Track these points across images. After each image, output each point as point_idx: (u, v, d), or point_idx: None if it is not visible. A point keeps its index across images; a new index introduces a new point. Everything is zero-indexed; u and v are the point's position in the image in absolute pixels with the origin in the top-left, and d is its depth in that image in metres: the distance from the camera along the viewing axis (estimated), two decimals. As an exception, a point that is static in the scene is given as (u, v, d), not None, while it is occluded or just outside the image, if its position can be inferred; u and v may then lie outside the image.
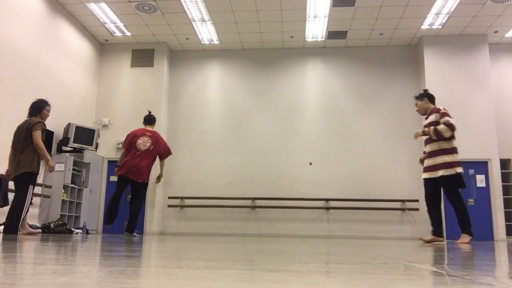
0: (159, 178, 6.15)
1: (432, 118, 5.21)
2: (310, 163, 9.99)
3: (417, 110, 5.51)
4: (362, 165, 9.90)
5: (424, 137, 5.40)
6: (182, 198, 9.98)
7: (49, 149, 8.28)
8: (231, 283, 0.80)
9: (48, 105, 5.75)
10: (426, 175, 5.39)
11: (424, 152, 5.55)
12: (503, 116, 9.87)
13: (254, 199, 9.76)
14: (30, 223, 7.54)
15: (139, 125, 10.40)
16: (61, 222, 7.62)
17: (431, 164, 5.33)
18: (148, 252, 1.87)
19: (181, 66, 10.77)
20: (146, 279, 0.85)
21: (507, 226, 9.18)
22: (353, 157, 9.95)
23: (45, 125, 5.62)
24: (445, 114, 5.08)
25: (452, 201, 5.12)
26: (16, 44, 7.51)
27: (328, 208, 9.74)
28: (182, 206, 9.99)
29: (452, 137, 5.17)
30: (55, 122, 8.61)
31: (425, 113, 5.41)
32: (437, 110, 5.18)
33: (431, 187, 5.35)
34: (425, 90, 5.50)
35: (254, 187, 9.91)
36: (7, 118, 7.30)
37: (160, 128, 10.05)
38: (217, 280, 0.85)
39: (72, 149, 8.68)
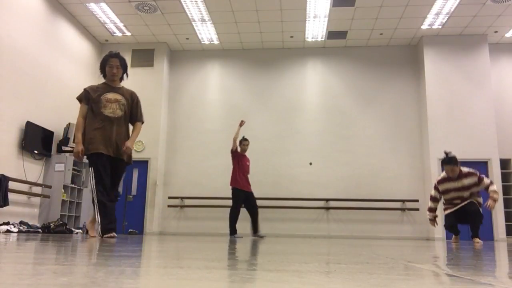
0: None
1: (470, 181, 5.51)
2: (310, 163, 9.99)
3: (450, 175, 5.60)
4: (362, 165, 9.90)
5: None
6: (182, 198, 9.98)
7: (49, 149, 8.29)
8: (231, 283, 0.80)
9: (113, 56, 4.50)
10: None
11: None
12: (503, 116, 9.87)
13: (254, 199, 9.76)
14: (30, 223, 7.53)
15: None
16: (61, 222, 7.62)
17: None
18: (148, 252, 1.87)
19: (181, 66, 10.77)
20: (146, 279, 0.85)
21: (507, 226, 9.18)
22: (353, 157, 9.95)
23: (101, 88, 4.41)
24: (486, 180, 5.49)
25: None
26: (16, 44, 7.51)
27: (328, 208, 9.74)
28: (182, 206, 9.99)
29: None
30: (55, 122, 8.61)
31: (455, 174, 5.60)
32: (473, 174, 5.50)
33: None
34: (448, 154, 5.66)
35: (254, 187, 9.89)
36: (7, 118, 7.30)
37: (160, 128, 10.05)
38: (217, 280, 0.85)
39: (72, 149, 8.67)
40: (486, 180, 5.44)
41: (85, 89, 4.42)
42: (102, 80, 4.58)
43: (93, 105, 4.32)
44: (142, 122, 4.56)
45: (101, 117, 4.28)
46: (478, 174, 5.49)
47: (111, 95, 4.38)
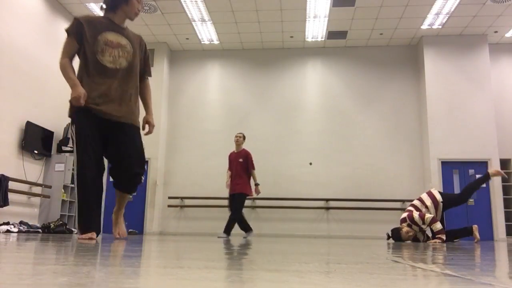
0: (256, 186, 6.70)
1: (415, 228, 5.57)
2: (310, 163, 9.99)
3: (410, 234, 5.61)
4: (362, 165, 9.90)
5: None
6: (182, 198, 9.98)
7: (48, 148, 8.29)
8: (231, 283, 0.80)
9: None
10: None
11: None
12: (503, 116, 9.88)
13: (254, 199, 9.75)
14: (30, 223, 7.53)
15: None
16: (61, 222, 7.62)
17: None
18: (148, 252, 1.87)
19: (181, 66, 10.77)
20: (146, 279, 0.85)
21: (507, 226, 9.19)
22: (353, 157, 9.95)
23: (98, 24, 3.15)
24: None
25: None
26: (16, 44, 7.52)
27: (328, 208, 9.74)
28: (182, 206, 9.99)
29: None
30: (55, 122, 8.61)
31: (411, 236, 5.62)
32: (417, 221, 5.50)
33: None
34: (388, 235, 5.70)
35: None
36: (7, 118, 7.31)
37: (160, 128, 10.05)
38: (217, 280, 0.85)
39: (72, 149, 8.66)
40: (416, 217, 5.44)
41: (77, 19, 3.15)
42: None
43: (87, 46, 3.13)
44: (150, 76, 3.55)
45: (97, 68, 3.09)
46: (407, 219, 5.50)
47: (112, 36, 3.17)
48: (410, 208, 5.66)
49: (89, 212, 3.01)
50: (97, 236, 3.04)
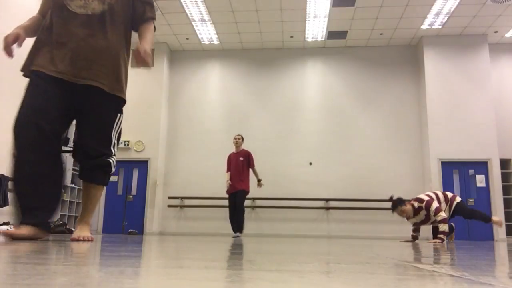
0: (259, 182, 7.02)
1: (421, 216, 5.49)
2: (310, 163, 9.99)
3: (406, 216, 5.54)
4: (362, 165, 9.90)
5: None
6: (182, 198, 9.98)
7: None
8: (231, 283, 0.80)
9: None
10: None
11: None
12: (503, 116, 9.88)
13: (254, 199, 9.76)
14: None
15: (138, 125, 10.42)
16: (61, 222, 7.62)
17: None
18: (148, 252, 1.87)
19: (181, 66, 10.77)
20: (146, 279, 0.85)
21: (507, 226, 9.18)
22: (353, 157, 9.95)
23: None
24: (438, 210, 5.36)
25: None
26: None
27: (328, 208, 9.74)
28: (182, 206, 9.99)
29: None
30: (55, 122, 8.62)
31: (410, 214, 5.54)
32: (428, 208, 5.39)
33: None
34: (392, 197, 5.72)
35: (254, 187, 9.90)
36: (7, 118, 7.30)
37: (160, 128, 10.05)
38: (217, 280, 0.85)
39: (72, 149, 8.66)
40: (433, 207, 5.34)
41: None
42: None
43: None
44: (154, 19, 2.78)
45: (63, 16, 2.42)
46: (423, 202, 5.39)
47: None
48: (433, 195, 5.53)
49: (28, 196, 2.41)
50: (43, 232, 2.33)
